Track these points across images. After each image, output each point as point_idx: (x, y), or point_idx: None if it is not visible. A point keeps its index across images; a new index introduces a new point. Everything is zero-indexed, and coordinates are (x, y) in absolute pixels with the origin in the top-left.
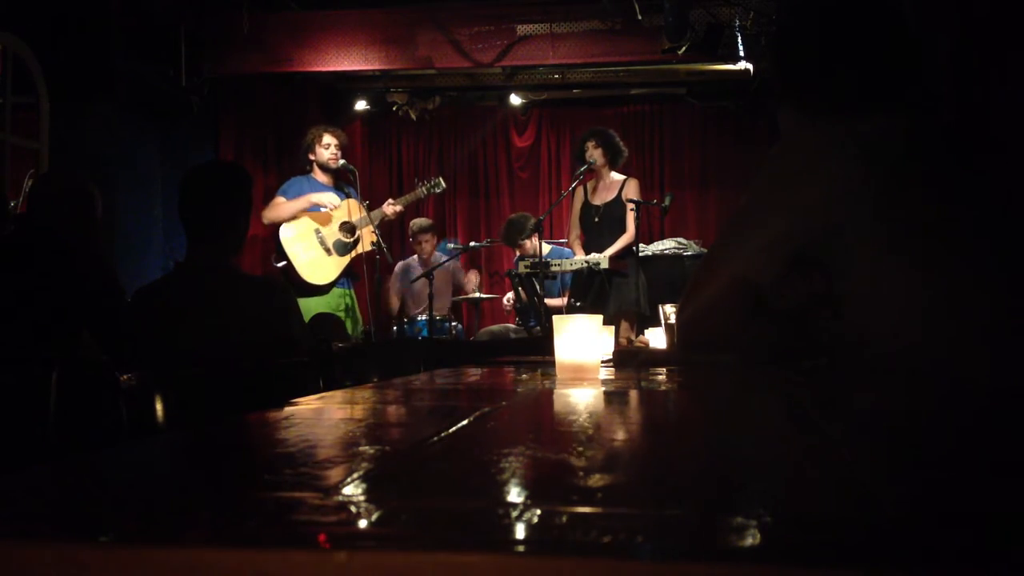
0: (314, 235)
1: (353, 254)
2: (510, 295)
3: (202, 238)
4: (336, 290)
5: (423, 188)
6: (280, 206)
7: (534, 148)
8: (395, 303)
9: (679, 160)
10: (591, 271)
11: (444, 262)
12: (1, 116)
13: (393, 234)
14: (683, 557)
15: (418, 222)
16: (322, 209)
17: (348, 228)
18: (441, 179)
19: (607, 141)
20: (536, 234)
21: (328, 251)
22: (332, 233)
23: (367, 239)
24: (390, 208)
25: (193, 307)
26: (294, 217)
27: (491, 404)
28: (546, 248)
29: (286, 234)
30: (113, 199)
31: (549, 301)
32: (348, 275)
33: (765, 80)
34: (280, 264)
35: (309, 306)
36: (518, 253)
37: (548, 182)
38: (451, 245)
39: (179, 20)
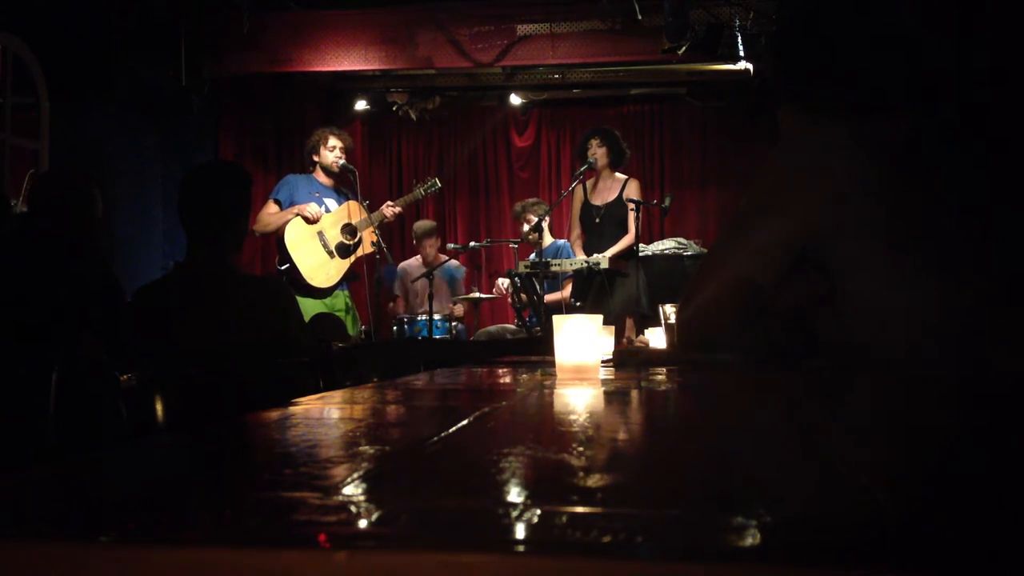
0: (317, 238)
1: (354, 256)
2: (504, 280)
3: (202, 238)
4: (335, 290)
5: (420, 189)
6: (269, 216)
7: (534, 148)
8: (399, 304)
9: (679, 160)
10: (591, 271)
11: (444, 262)
12: (1, 116)
13: (393, 235)
14: (683, 557)
15: (421, 225)
16: (309, 214)
17: (349, 230)
18: (437, 179)
19: (611, 141)
20: (537, 232)
21: (331, 254)
22: (334, 236)
23: (367, 240)
24: (389, 210)
25: (193, 307)
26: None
27: (491, 404)
28: (548, 240)
29: (290, 237)
30: (113, 199)
31: (548, 297)
32: (348, 276)
33: (765, 80)
34: (283, 267)
35: (309, 306)
36: (525, 227)
37: (548, 182)
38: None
39: (179, 20)
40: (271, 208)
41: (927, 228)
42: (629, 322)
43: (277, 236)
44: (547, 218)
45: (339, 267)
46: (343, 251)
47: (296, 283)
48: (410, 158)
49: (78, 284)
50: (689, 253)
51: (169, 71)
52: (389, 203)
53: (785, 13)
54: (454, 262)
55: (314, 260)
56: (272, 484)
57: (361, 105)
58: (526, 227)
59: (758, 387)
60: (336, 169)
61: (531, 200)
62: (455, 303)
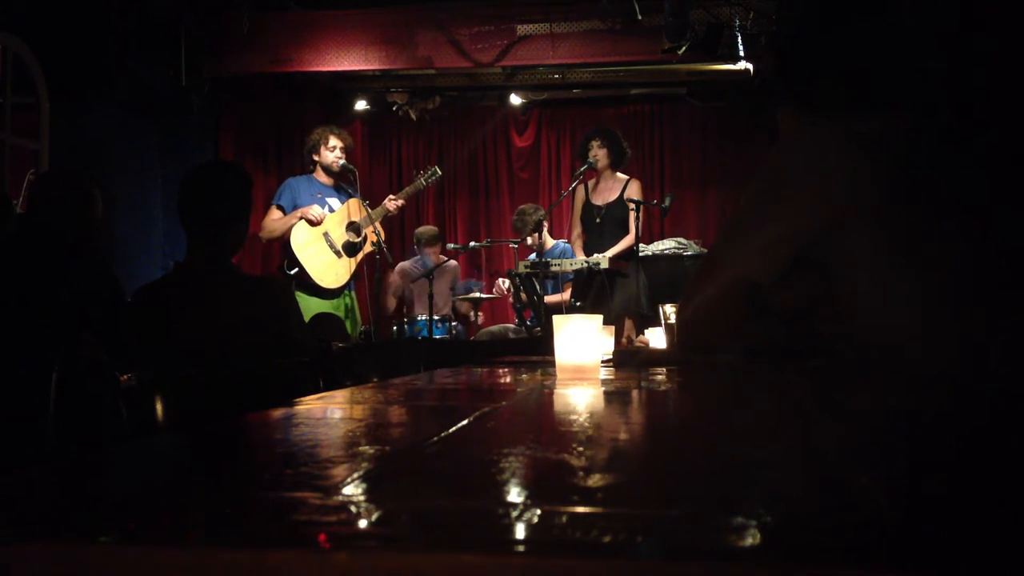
0: (323, 239)
1: (362, 254)
2: (505, 281)
3: (202, 238)
4: (344, 290)
5: (421, 179)
6: (274, 223)
7: (534, 148)
8: (392, 303)
9: (679, 160)
10: (591, 271)
11: (444, 263)
12: (1, 116)
13: (393, 235)
14: (683, 557)
15: (424, 231)
16: (313, 217)
17: (354, 228)
18: (437, 167)
19: (612, 141)
20: (537, 232)
21: (338, 253)
22: (340, 235)
23: (369, 239)
24: (392, 204)
25: (193, 307)
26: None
27: (491, 404)
28: (549, 242)
29: (297, 240)
30: (113, 199)
31: (549, 299)
32: (355, 275)
33: (765, 80)
34: (292, 271)
35: (309, 306)
36: (528, 241)
37: (548, 182)
38: (473, 286)
39: (179, 20)
40: (274, 214)
41: (927, 228)
42: (629, 322)
43: (283, 241)
44: (544, 221)
45: (348, 266)
46: (350, 249)
47: (307, 285)
48: (410, 158)
49: (78, 284)
50: (689, 253)
51: (169, 71)
52: (391, 196)
53: (785, 13)
54: (452, 263)
55: (323, 261)
56: (272, 484)
57: (361, 105)
58: (529, 239)
59: (758, 387)
60: (336, 169)
61: (528, 208)
62: (460, 301)
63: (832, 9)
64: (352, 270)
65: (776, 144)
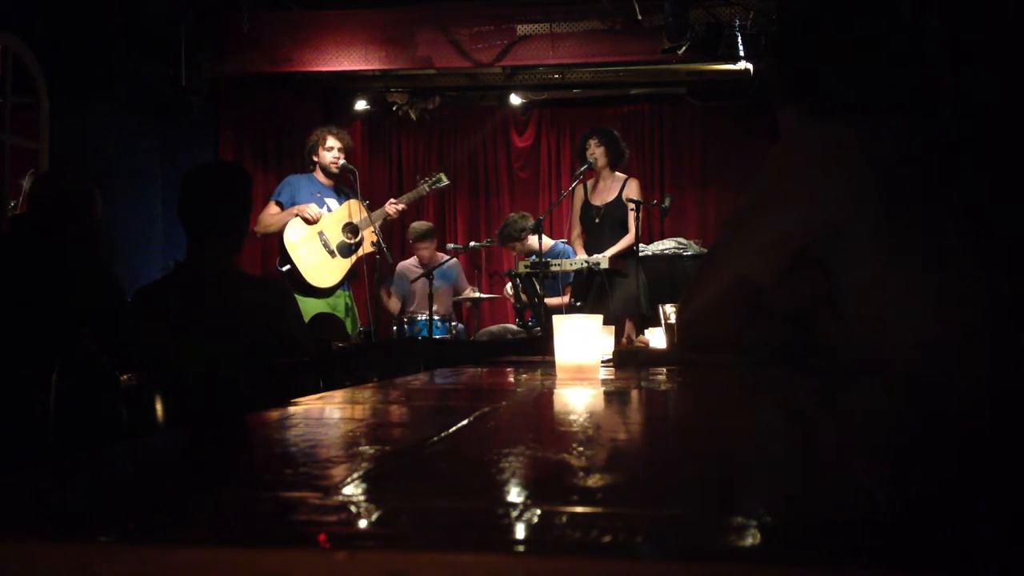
0: (318, 238)
1: (356, 256)
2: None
3: (202, 238)
4: (337, 290)
5: (425, 184)
6: (270, 218)
7: (534, 148)
8: (395, 304)
9: (679, 160)
10: (591, 271)
11: (445, 262)
12: (1, 116)
13: (393, 235)
14: (683, 557)
15: (416, 227)
16: (309, 215)
17: (351, 229)
18: (443, 174)
19: (610, 141)
20: (536, 234)
21: (332, 253)
22: (336, 235)
23: (368, 240)
24: (392, 208)
25: (193, 307)
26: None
27: (491, 404)
28: (548, 243)
29: (290, 238)
30: (113, 199)
31: (549, 301)
32: (349, 275)
33: (765, 80)
34: (284, 268)
35: (309, 306)
36: (518, 247)
37: (548, 182)
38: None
39: (179, 20)
40: (272, 209)
41: (927, 228)
42: (629, 322)
43: (278, 237)
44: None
45: (341, 267)
46: (344, 250)
47: (298, 283)
48: (410, 158)
49: (78, 284)
50: (689, 253)
51: (169, 71)
52: (392, 200)
53: (785, 13)
54: (452, 261)
55: (315, 260)
56: (272, 484)
57: (361, 105)
58: (522, 246)
59: (758, 387)
60: (335, 169)
61: (514, 218)
62: (455, 303)
63: (832, 9)
64: (345, 271)
65: (776, 144)
